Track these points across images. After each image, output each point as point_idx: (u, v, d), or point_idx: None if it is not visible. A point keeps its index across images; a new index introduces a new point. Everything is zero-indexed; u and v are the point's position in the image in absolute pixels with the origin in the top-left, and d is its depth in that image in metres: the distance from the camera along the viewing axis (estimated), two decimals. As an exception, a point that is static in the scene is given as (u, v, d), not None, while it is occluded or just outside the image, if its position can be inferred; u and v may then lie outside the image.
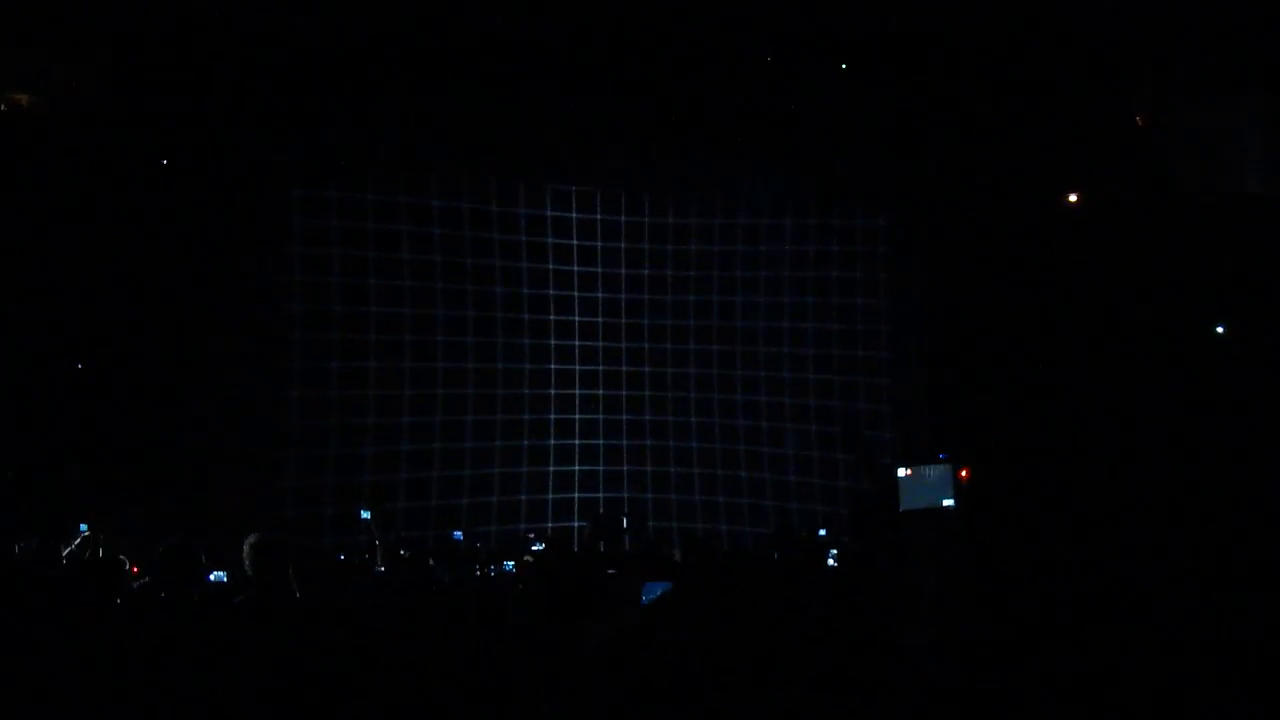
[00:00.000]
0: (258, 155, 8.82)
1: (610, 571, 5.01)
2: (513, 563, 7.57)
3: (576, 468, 10.22)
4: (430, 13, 7.82)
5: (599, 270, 10.34)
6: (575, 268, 10.34)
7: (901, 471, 8.65)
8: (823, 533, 9.64)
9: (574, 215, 10.34)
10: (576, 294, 10.34)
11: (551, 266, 10.24)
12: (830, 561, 6.79)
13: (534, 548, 8.34)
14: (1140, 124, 9.57)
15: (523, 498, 9.96)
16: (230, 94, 8.31)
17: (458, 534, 8.82)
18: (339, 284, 9.39)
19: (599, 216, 10.37)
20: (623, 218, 10.43)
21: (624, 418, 10.39)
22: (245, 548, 3.72)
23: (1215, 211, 9.31)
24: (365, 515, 8.73)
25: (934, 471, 8.59)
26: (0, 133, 8.10)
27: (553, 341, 10.25)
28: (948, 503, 8.47)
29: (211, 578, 5.94)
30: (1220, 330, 9.77)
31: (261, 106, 8.46)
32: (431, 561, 7.07)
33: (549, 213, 10.26)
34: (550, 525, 9.84)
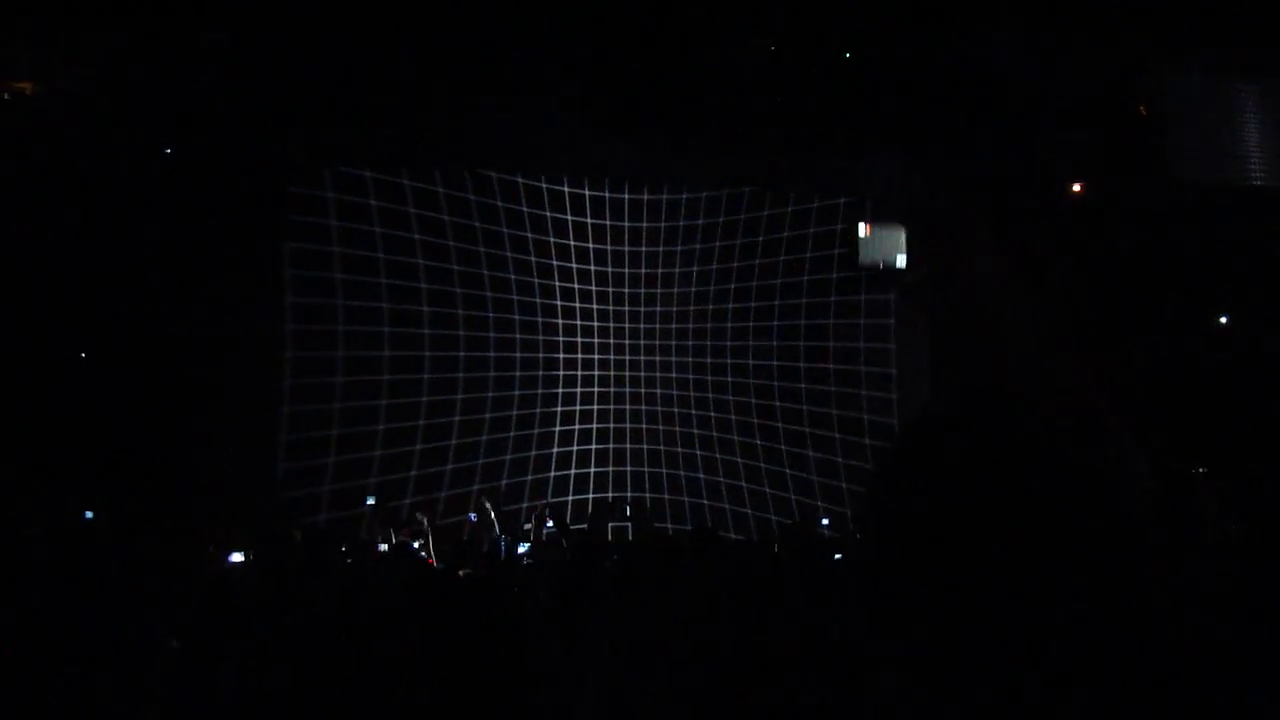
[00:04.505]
0: (257, 147, 8.78)
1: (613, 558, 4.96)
2: (528, 545, 7.58)
3: (593, 448, 10.28)
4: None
5: (591, 267, 10.39)
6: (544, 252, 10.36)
7: (861, 230, 9.21)
8: (825, 521, 9.66)
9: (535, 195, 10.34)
10: (576, 284, 10.39)
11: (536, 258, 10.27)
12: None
13: (546, 527, 8.35)
14: (1142, 113, 9.56)
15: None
16: (232, 84, 8.30)
17: (472, 516, 8.80)
18: (339, 278, 9.37)
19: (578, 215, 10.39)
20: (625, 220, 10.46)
21: (627, 406, 10.47)
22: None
23: (1216, 201, 9.32)
24: (370, 501, 8.85)
25: (888, 232, 9.46)
26: (2, 120, 8.08)
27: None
28: (900, 260, 9.28)
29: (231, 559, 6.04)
30: (1222, 320, 9.80)
31: (264, 97, 8.43)
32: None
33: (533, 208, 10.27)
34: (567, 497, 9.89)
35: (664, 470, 10.44)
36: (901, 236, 9.47)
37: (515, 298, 10.04)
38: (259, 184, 8.90)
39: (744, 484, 10.45)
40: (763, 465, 10.44)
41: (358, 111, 8.74)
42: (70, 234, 8.17)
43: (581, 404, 10.31)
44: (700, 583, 3.29)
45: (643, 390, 10.48)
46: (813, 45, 8.94)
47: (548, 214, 10.18)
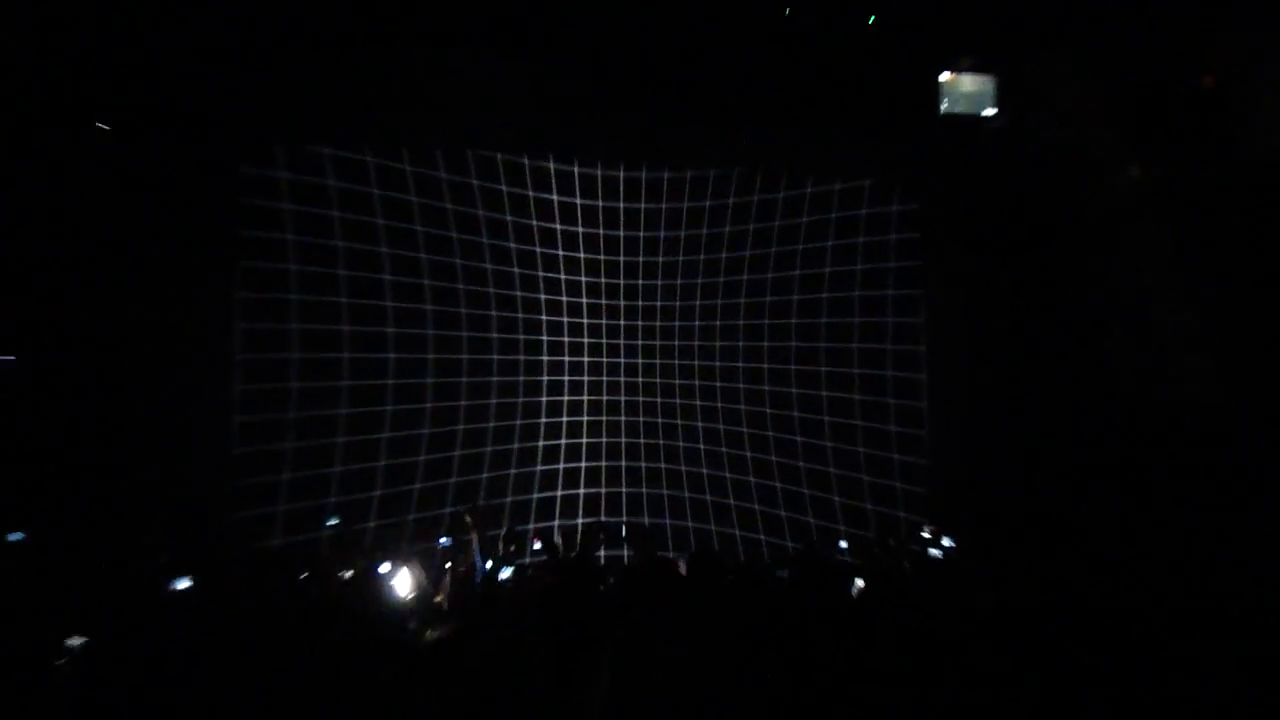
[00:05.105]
0: (205, 125, 7.98)
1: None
2: (511, 569, 6.91)
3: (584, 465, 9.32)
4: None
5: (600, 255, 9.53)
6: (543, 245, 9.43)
7: (945, 75, 8.26)
8: (843, 545, 8.81)
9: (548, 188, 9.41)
10: (580, 276, 9.47)
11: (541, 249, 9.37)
12: (858, 582, 5.94)
13: (534, 547, 7.69)
14: (1208, 86, 8.81)
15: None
16: (174, 57, 7.52)
17: (444, 540, 8.09)
18: (296, 267, 8.50)
19: (591, 199, 9.47)
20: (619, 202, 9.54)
21: (623, 417, 9.58)
22: None
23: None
24: (334, 521, 8.19)
25: (977, 79, 8.35)
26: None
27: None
28: (989, 112, 8.22)
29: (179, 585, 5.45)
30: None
31: (213, 72, 7.62)
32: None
33: (547, 193, 9.34)
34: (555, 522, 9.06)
35: (664, 490, 9.53)
36: (991, 85, 8.36)
37: (492, 291, 9.10)
38: (207, 162, 8.08)
39: (756, 506, 9.49)
40: (778, 484, 9.50)
41: (315, 80, 7.92)
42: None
43: (569, 414, 9.39)
44: (701, 614, 3.23)
45: (640, 399, 9.57)
46: (834, 7, 8.13)
47: (530, 193, 9.22)
